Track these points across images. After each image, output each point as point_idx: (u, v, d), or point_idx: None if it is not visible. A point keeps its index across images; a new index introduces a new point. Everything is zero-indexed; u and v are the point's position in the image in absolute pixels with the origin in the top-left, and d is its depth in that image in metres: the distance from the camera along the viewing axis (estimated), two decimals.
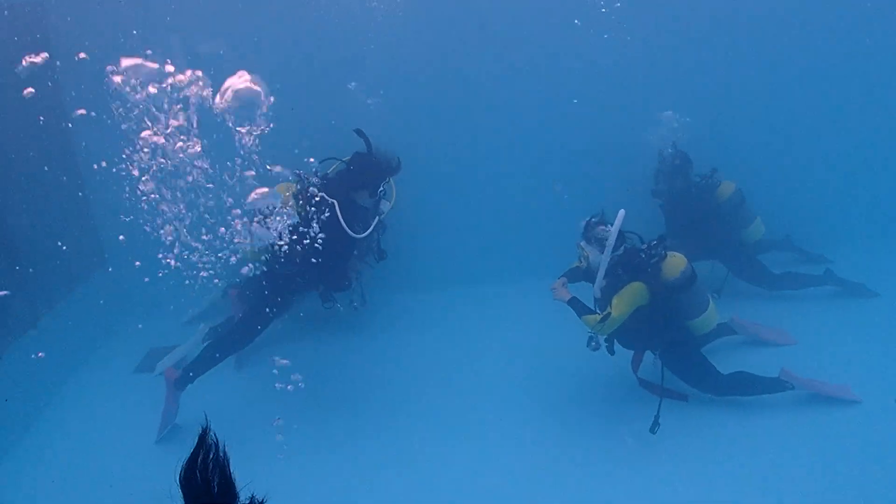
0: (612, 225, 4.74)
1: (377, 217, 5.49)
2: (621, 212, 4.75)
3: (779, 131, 6.87)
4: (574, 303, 4.87)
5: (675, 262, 4.86)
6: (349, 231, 5.21)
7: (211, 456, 1.65)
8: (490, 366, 5.98)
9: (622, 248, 4.79)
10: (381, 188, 5.44)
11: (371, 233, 5.52)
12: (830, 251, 6.81)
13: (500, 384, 5.72)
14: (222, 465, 1.67)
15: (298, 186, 5.37)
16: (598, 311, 4.86)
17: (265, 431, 5.25)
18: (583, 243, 4.91)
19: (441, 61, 6.60)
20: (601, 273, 4.77)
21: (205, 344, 5.96)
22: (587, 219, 4.97)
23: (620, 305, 4.70)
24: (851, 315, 6.12)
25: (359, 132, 5.42)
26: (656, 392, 4.96)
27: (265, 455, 5.02)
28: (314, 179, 5.36)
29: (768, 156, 6.89)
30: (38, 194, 6.07)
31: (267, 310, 5.60)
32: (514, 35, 6.58)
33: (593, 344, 5.02)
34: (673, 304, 4.89)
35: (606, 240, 4.71)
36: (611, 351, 5.14)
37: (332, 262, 5.43)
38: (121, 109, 4.51)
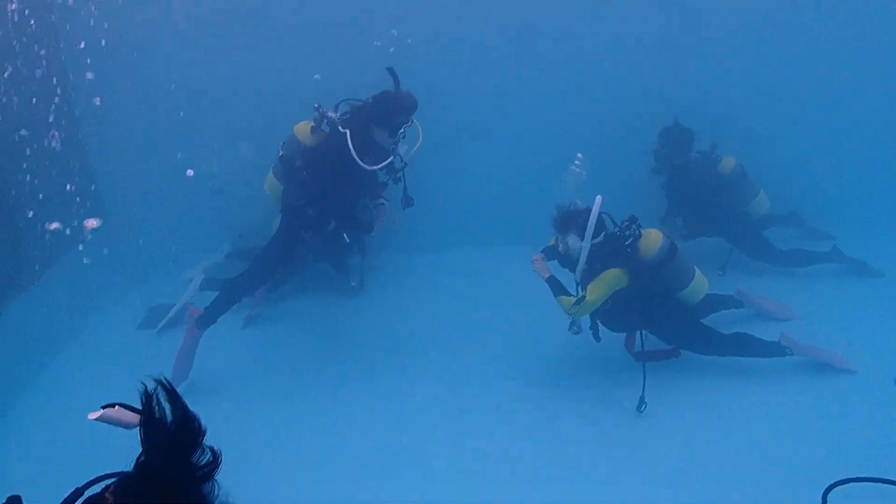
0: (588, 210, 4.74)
1: (393, 157, 5.44)
2: (598, 198, 4.74)
3: (783, 104, 6.75)
4: (552, 282, 4.91)
5: (652, 240, 4.86)
6: (358, 160, 5.18)
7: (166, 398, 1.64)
8: (486, 329, 6.05)
9: (602, 234, 4.79)
10: (402, 130, 5.36)
11: (388, 170, 5.51)
12: (836, 230, 6.74)
13: (495, 347, 5.79)
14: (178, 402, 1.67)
15: (315, 120, 5.48)
16: (576, 293, 4.88)
17: (267, 385, 5.46)
18: (562, 231, 4.90)
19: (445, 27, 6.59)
20: (582, 259, 4.79)
21: (202, 290, 6.18)
22: (562, 208, 4.93)
23: (595, 290, 4.75)
24: (856, 293, 6.10)
25: (390, 70, 5.35)
26: (650, 358, 5.01)
27: (266, 408, 5.21)
28: (331, 113, 5.40)
29: (772, 129, 6.77)
30: (36, 152, 6.04)
31: (284, 245, 5.69)
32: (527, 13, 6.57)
33: (575, 328, 5.07)
34: (658, 280, 4.90)
35: (585, 227, 4.71)
36: (596, 338, 5.17)
37: (342, 194, 5.47)
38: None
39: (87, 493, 1.91)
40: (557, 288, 4.88)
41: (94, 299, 6.61)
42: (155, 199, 6.77)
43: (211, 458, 1.65)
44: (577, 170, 5.54)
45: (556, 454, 4.69)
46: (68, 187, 6.26)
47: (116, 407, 1.85)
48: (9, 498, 1.94)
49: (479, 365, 5.61)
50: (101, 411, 1.86)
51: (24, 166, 5.82)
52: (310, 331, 6.24)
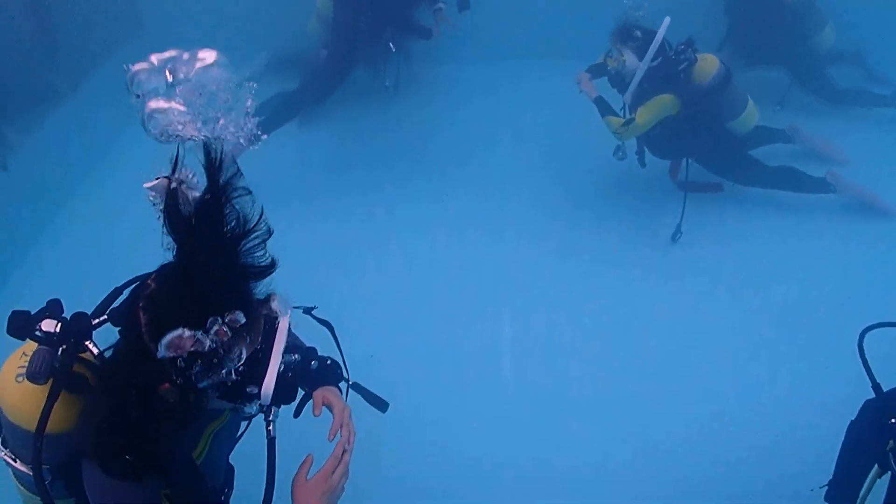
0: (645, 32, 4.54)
1: None
2: (666, 19, 4.50)
3: None
4: (599, 101, 4.77)
5: (707, 65, 4.65)
6: None
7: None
8: (526, 145, 5.96)
9: (659, 58, 4.57)
10: None
11: None
12: None
13: (534, 165, 5.75)
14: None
15: None
16: (623, 116, 4.76)
17: (303, 188, 5.58)
18: (620, 47, 4.67)
19: None
20: (636, 80, 4.60)
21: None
22: (622, 21, 4.69)
23: (645, 114, 4.61)
24: None
25: None
26: (693, 188, 4.96)
27: (309, 209, 5.35)
28: None
29: None
30: None
31: (341, 62, 5.66)
32: None
33: (619, 153, 4.99)
34: (709, 107, 4.75)
35: (648, 47, 4.50)
36: (642, 163, 5.11)
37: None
38: None
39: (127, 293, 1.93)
40: (605, 108, 4.76)
41: (133, 109, 6.54)
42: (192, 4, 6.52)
43: (270, 263, 1.72)
44: None
45: (585, 273, 4.80)
46: None
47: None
48: (49, 302, 1.98)
49: (516, 179, 5.61)
50: (156, 181, 1.85)
51: None
52: (346, 136, 6.19)
